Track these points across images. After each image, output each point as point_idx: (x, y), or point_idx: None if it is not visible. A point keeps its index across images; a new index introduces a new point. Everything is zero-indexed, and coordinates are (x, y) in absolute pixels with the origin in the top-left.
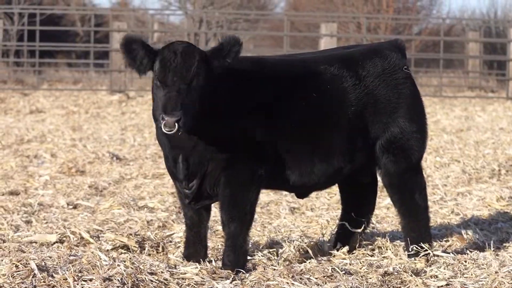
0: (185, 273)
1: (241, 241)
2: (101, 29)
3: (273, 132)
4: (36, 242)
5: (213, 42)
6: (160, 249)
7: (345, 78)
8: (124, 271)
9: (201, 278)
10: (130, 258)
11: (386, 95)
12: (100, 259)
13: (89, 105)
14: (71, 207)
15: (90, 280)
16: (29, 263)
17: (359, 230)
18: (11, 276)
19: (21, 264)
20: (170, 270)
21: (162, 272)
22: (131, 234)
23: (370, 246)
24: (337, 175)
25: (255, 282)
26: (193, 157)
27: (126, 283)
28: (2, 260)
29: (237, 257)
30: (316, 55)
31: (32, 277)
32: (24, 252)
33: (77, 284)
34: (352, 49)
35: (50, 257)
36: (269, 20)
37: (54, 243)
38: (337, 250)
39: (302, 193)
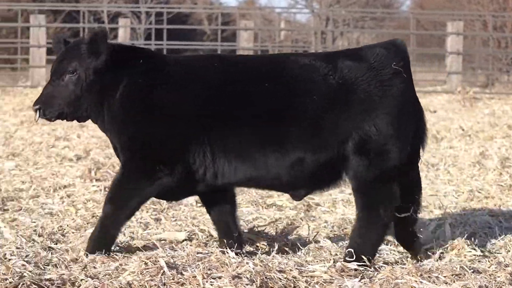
0: (313, 271)
1: (109, 227)
2: (228, 28)
3: (203, 126)
4: (165, 240)
5: (340, 41)
6: (289, 246)
7: (317, 68)
8: (253, 269)
9: (330, 276)
10: (258, 256)
11: (366, 90)
12: (229, 257)
13: None
14: (200, 205)
15: (219, 277)
16: (158, 261)
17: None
18: (140, 273)
19: (150, 261)
20: (298, 268)
21: (290, 270)
22: (259, 232)
23: (498, 244)
24: (299, 166)
25: (384, 280)
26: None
27: (255, 280)
28: (131, 258)
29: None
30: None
31: (162, 274)
32: (153, 249)
33: (206, 282)
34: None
35: (179, 255)
36: (395, 19)
37: (183, 240)
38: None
39: (296, 195)
